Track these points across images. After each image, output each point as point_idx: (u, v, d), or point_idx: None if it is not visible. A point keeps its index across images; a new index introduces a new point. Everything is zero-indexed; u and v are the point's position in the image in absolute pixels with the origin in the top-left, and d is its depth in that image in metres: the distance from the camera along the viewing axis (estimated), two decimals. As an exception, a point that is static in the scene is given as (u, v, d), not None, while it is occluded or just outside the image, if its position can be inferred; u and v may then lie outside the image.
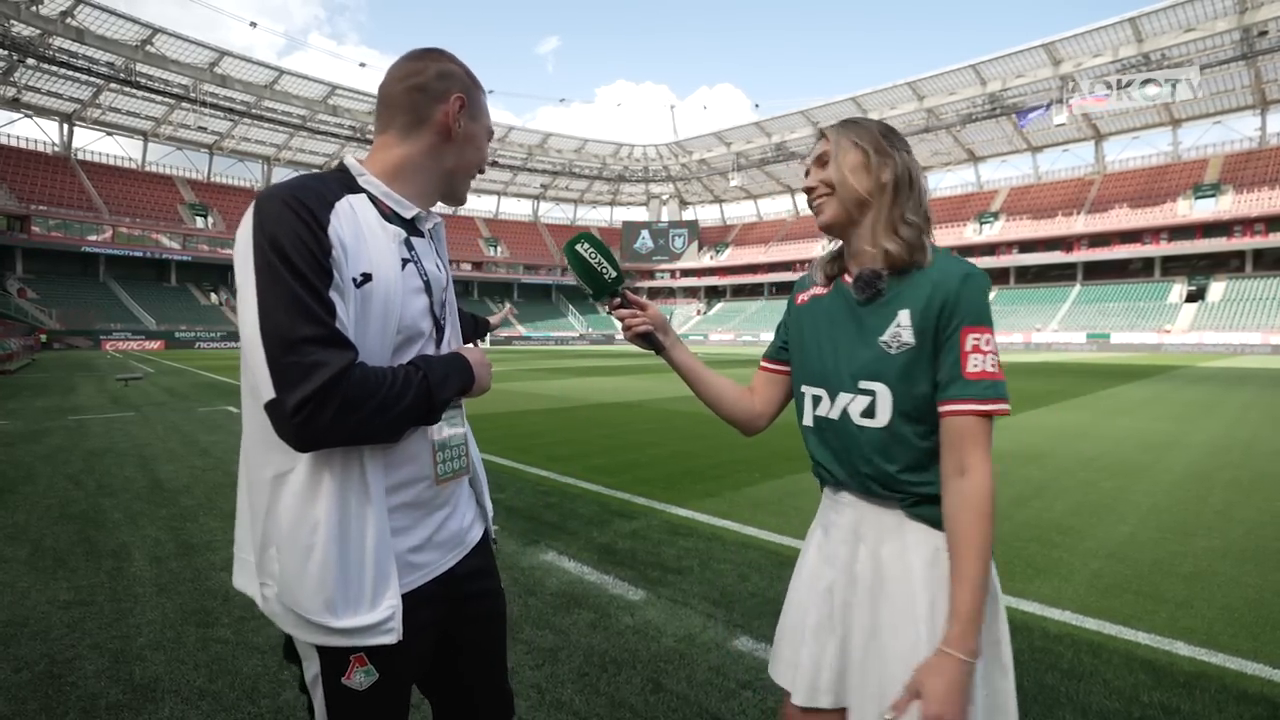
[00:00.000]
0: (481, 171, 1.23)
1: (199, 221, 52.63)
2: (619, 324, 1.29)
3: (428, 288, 1.10)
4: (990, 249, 54.72)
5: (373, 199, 1.06)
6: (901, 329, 1.10)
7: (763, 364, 1.38)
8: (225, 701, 2.22)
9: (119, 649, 2.59)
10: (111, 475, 5.73)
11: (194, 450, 6.93)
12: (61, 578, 3.35)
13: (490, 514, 1.29)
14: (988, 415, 1.05)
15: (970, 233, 56.46)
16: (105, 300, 45.56)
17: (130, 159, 53.51)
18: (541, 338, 59.84)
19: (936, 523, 1.10)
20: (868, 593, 1.13)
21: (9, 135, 47.68)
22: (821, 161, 1.21)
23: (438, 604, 1.11)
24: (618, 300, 1.28)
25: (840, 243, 1.25)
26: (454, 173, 1.17)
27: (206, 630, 2.74)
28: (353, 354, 0.94)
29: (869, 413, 1.12)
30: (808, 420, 1.24)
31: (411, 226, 1.12)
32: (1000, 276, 55.02)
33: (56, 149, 49.54)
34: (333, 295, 0.94)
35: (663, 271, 73.63)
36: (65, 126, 49.48)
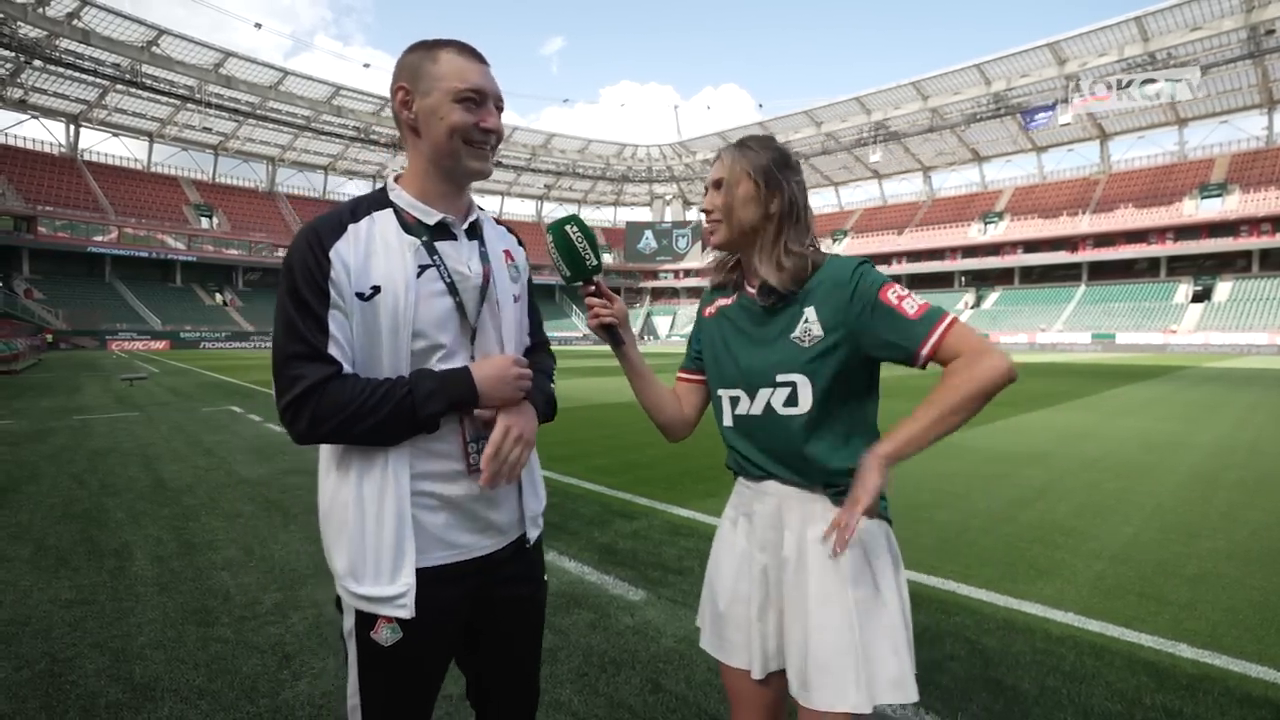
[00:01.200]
0: (473, 139, 1.14)
1: (204, 222, 52.85)
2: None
3: (452, 289, 1.14)
4: (995, 249, 54.57)
5: (398, 211, 1.16)
6: (811, 324, 1.22)
7: (680, 375, 1.48)
8: (224, 701, 2.22)
9: (120, 648, 2.60)
10: (115, 475, 5.74)
11: (197, 450, 6.95)
12: (64, 577, 3.36)
13: (531, 515, 1.29)
14: (954, 323, 1.16)
15: (974, 233, 56.32)
16: (111, 300, 45.78)
17: (136, 160, 53.80)
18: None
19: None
20: (795, 573, 1.24)
21: (15, 136, 47.99)
22: (718, 185, 1.30)
23: (469, 585, 1.18)
24: (592, 288, 1.30)
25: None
26: (436, 153, 1.15)
27: (207, 629, 2.74)
28: (332, 368, 1.07)
29: (791, 402, 1.23)
30: (728, 421, 1.34)
31: (439, 230, 1.18)
32: (1004, 277, 54.87)
33: (63, 150, 49.82)
34: (332, 313, 1.07)
35: (666, 271, 73.68)
36: (71, 127, 49.76)
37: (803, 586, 1.24)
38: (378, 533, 1.09)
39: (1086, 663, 2.50)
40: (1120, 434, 8.03)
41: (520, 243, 1.38)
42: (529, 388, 1.18)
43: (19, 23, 38.32)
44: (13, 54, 40.43)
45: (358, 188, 64.38)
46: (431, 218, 1.17)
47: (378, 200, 1.17)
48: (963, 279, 57.45)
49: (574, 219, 1.26)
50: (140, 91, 46.44)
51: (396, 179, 1.20)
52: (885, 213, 65.28)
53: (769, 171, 1.26)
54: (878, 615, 1.20)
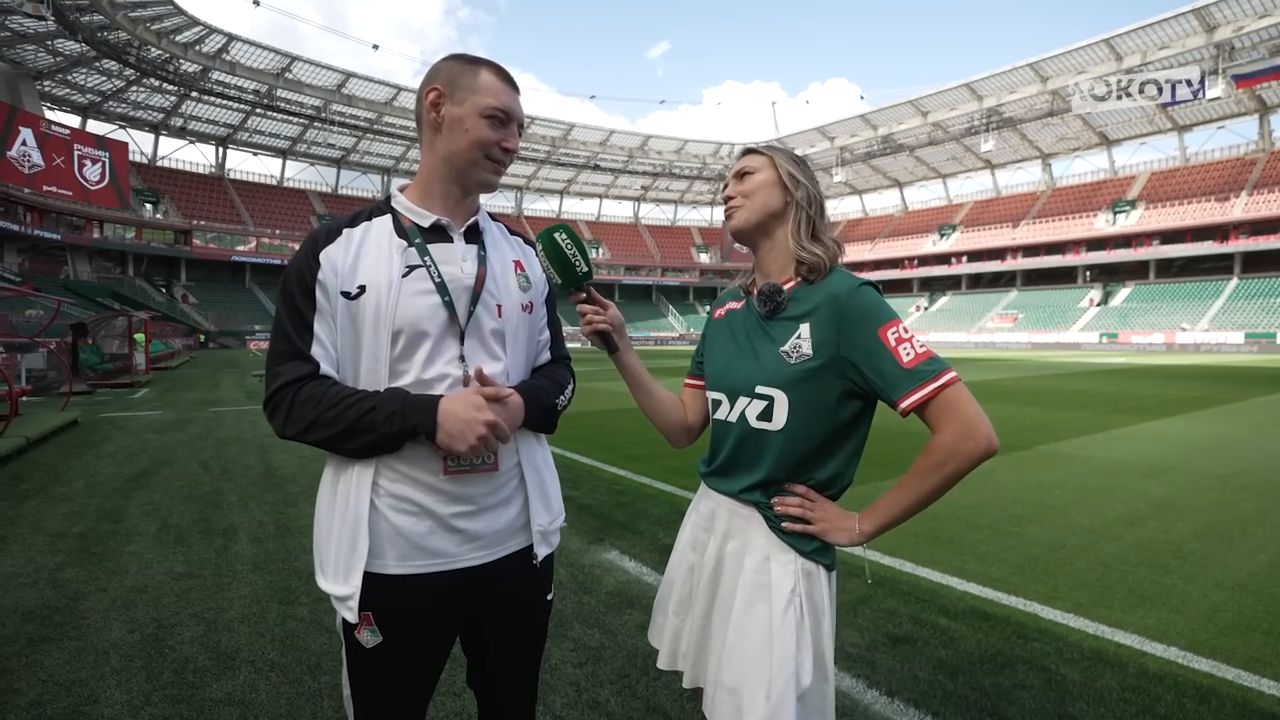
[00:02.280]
0: (493, 155, 1.18)
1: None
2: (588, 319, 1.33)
3: (441, 288, 1.15)
4: (1125, 241, 49.61)
5: (395, 216, 1.20)
6: (801, 341, 1.17)
7: (687, 381, 1.46)
8: (291, 675, 2.40)
9: (213, 619, 2.87)
10: (234, 462, 6.35)
11: (306, 441, 7.56)
12: (179, 552, 3.75)
13: (540, 530, 1.25)
14: (948, 385, 1.09)
15: (1102, 223, 51.47)
16: (250, 304, 50.83)
17: (271, 176, 59.37)
18: (642, 337, 60.48)
19: (778, 531, 1.19)
20: (709, 579, 1.25)
21: (176, 160, 54.34)
22: (743, 174, 1.29)
23: (458, 595, 1.18)
24: (583, 295, 1.30)
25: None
26: (449, 159, 1.19)
27: (287, 608, 2.98)
28: (309, 367, 1.11)
29: (765, 416, 1.19)
30: (711, 424, 1.35)
31: (434, 232, 1.19)
32: (1137, 271, 49.79)
33: (212, 170, 55.82)
34: (318, 315, 1.12)
35: (761, 271, 72.40)
36: (220, 149, 55.65)
37: (710, 598, 1.25)
38: (337, 533, 1.12)
39: (1188, 706, 2.21)
40: (1266, 447, 7.07)
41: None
42: (491, 440, 1.09)
43: (181, 60, 43.32)
44: (176, 88, 45.78)
45: (463, 195, 67.72)
46: (426, 220, 1.19)
47: (378, 208, 1.22)
48: (1087, 274, 52.63)
49: (563, 228, 1.27)
50: (275, 114, 51.25)
51: (401, 189, 1.23)
52: (998, 205, 60.94)
53: (791, 168, 1.26)
54: (765, 653, 1.13)
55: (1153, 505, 4.72)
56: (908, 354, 1.10)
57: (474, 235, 1.25)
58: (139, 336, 18.08)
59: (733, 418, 1.24)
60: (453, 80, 1.17)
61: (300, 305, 1.12)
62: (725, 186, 1.32)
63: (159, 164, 53.12)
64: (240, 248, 52.75)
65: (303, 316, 1.12)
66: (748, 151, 1.32)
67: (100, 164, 42.44)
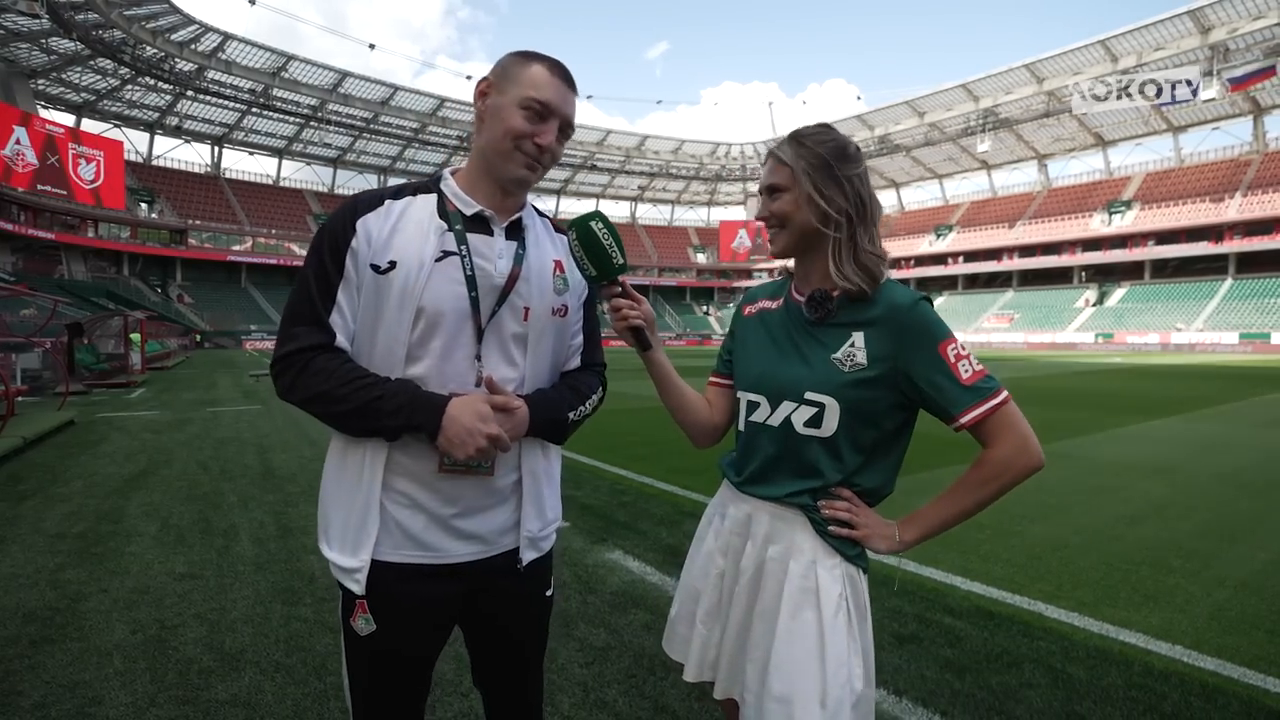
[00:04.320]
0: (525, 149, 1.13)
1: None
2: (612, 313, 1.27)
3: (470, 282, 1.12)
4: (1121, 241, 49.86)
5: (442, 197, 1.17)
6: (856, 350, 1.14)
7: (712, 379, 1.41)
8: (297, 675, 2.38)
9: (216, 620, 2.85)
10: (233, 462, 6.33)
11: (304, 441, 7.53)
12: (180, 552, 3.73)
13: (528, 535, 1.22)
14: (1005, 403, 1.11)
15: (1097, 224, 51.69)
16: (245, 304, 50.67)
17: (267, 175, 59.14)
18: (636, 338, 60.43)
19: (825, 535, 1.17)
20: (748, 585, 1.21)
21: (171, 159, 54.10)
22: (773, 190, 1.21)
23: (447, 589, 1.18)
24: (617, 289, 1.23)
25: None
26: (486, 150, 1.16)
27: (290, 608, 2.96)
28: (325, 337, 1.10)
29: (814, 423, 1.16)
30: (741, 425, 1.29)
31: (476, 222, 1.17)
32: (1133, 271, 50.01)
33: (208, 169, 55.60)
34: (344, 284, 1.10)
35: (761, 270, 72.48)
36: (215, 149, 55.43)
37: (750, 605, 1.20)
38: (350, 508, 1.13)
39: (1194, 704, 2.21)
40: (1266, 446, 7.11)
41: None
42: (489, 451, 1.07)
43: (176, 59, 43.17)
44: (172, 86, 45.63)
45: (460, 195, 67.64)
46: (471, 208, 1.17)
47: (426, 185, 1.20)
48: (1083, 274, 52.84)
49: (599, 215, 1.20)
50: (271, 113, 51.11)
51: (453, 172, 1.21)
52: (994, 205, 61.12)
53: (828, 167, 1.15)
54: (816, 659, 1.12)
55: (1153, 504, 4.74)
56: (966, 371, 1.11)
57: (515, 232, 1.21)
58: (135, 336, 18.01)
59: (774, 422, 1.20)
60: (504, 71, 1.15)
61: (329, 269, 1.10)
62: (760, 194, 1.25)
63: (154, 163, 52.90)
64: (236, 247, 52.62)
65: (329, 281, 1.10)
66: (772, 156, 1.22)
67: (95, 163, 42.22)
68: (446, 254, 1.12)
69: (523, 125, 1.12)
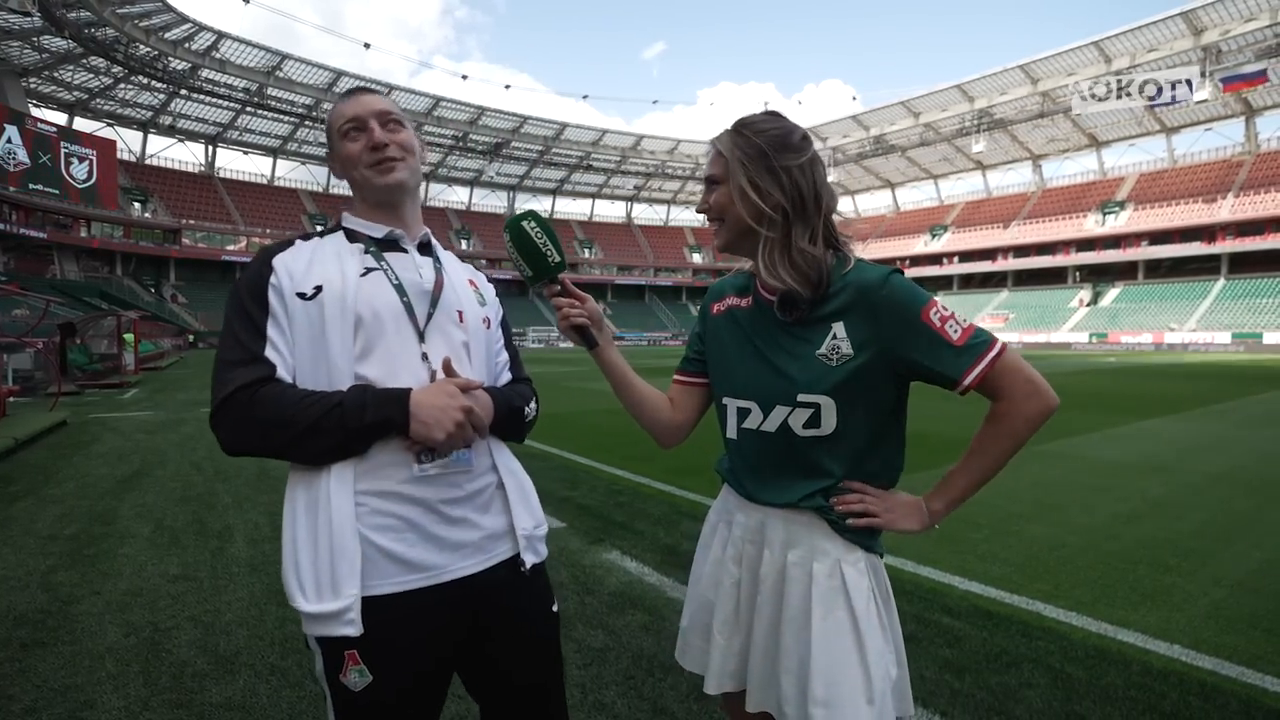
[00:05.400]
0: (367, 161, 1.17)
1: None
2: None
3: (399, 289, 1.14)
4: (1115, 241, 50.09)
5: (348, 232, 1.21)
6: (839, 341, 1.10)
7: (677, 377, 1.35)
8: (292, 678, 2.36)
9: (210, 622, 2.83)
10: (227, 463, 6.28)
11: (300, 441, 7.49)
12: (174, 554, 3.70)
13: (524, 535, 1.17)
14: (1003, 353, 1.07)
15: (1091, 224, 51.91)
16: (240, 304, 50.43)
17: (261, 175, 58.86)
18: (635, 337, 60.43)
19: (844, 531, 1.14)
20: (771, 593, 1.17)
21: (164, 159, 53.79)
22: (711, 182, 1.17)
23: (438, 617, 1.07)
24: (557, 287, 1.21)
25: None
26: (353, 188, 1.23)
27: (285, 610, 2.93)
28: (264, 370, 1.04)
29: (812, 423, 1.12)
30: (732, 433, 1.23)
31: (387, 244, 1.20)
32: (1126, 271, 50.25)
33: (201, 168, 55.31)
34: (271, 320, 1.07)
35: (754, 271, 72.55)
36: (209, 148, 55.15)
37: (775, 613, 1.15)
38: (325, 543, 1.01)
39: (1193, 704, 2.21)
40: (1260, 446, 7.14)
41: (489, 281, 1.37)
42: (467, 429, 1.05)
43: (170, 58, 42.94)
44: (165, 85, 45.40)
45: (457, 194, 67.57)
46: (379, 232, 1.20)
47: (330, 229, 1.24)
48: (1077, 274, 53.08)
49: (531, 214, 1.19)
50: (266, 112, 50.91)
51: (347, 211, 1.26)
52: (989, 205, 61.34)
53: (763, 158, 1.09)
54: (856, 657, 1.09)
55: (1150, 504, 4.75)
56: (955, 331, 1.07)
57: (427, 250, 1.25)
58: (128, 336, 17.91)
59: (770, 427, 1.15)
60: (328, 130, 1.23)
61: (251, 310, 1.07)
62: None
63: (148, 162, 52.59)
64: (230, 247, 52.30)
65: (254, 322, 1.06)
66: (711, 145, 1.16)
67: (87, 162, 41.95)
68: (369, 269, 1.14)
69: (352, 147, 1.18)
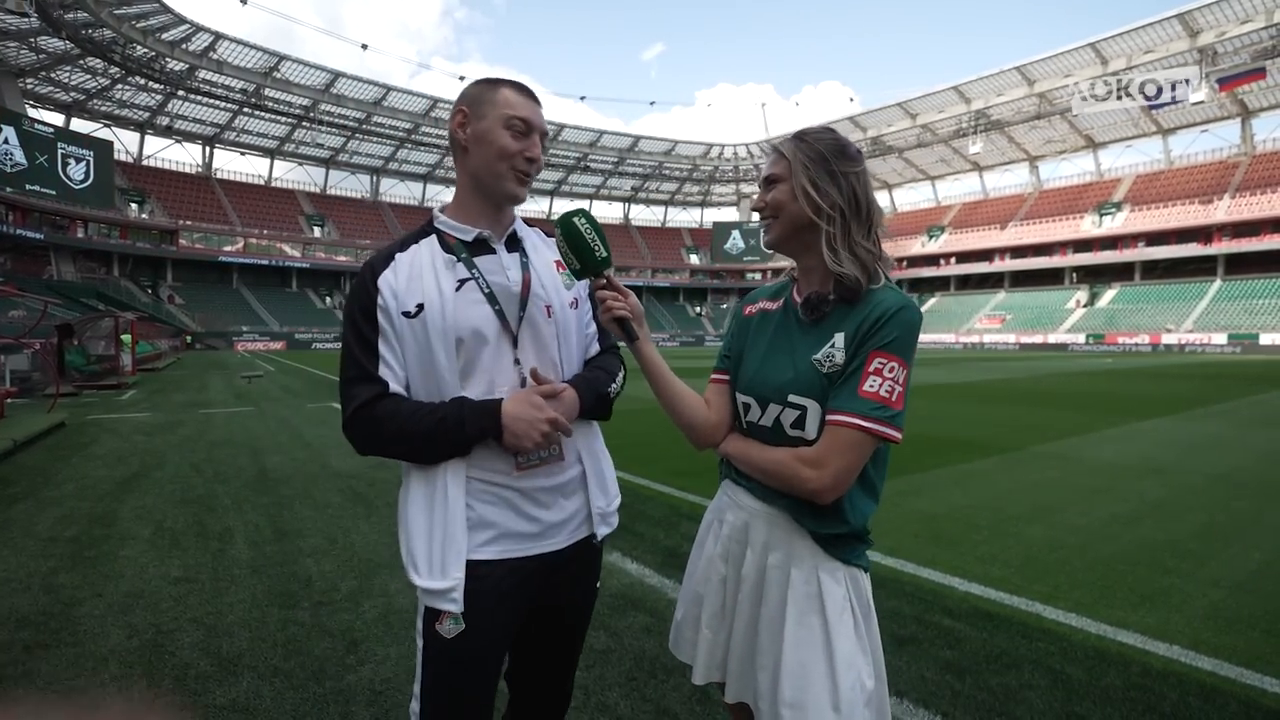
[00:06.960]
0: (518, 166, 1.23)
1: (316, 231, 57.11)
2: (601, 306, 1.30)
3: (491, 298, 1.23)
4: (1111, 242, 50.17)
5: (440, 236, 1.28)
6: (835, 350, 1.14)
7: (714, 376, 1.39)
8: (295, 680, 2.37)
9: (213, 624, 2.83)
10: (227, 464, 6.28)
11: (299, 443, 7.49)
12: (175, 556, 3.70)
13: (599, 512, 1.32)
14: (868, 433, 1.08)
15: (1089, 225, 52.02)
16: (237, 305, 50.32)
17: (259, 175, 58.77)
18: (630, 339, 60.38)
19: (825, 542, 1.17)
20: (751, 592, 1.23)
21: (162, 159, 53.76)
22: (770, 181, 1.24)
23: (525, 581, 1.24)
24: (602, 281, 1.26)
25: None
26: (478, 174, 1.26)
27: (287, 612, 2.94)
28: (378, 388, 1.19)
29: (798, 425, 1.17)
30: (742, 426, 1.30)
31: (478, 246, 1.28)
32: (1123, 272, 50.35)
33: (199, 169, 55.22)
34: (382, 338, 1.20)
35: (754, 272, 72.68)
36: (206, 149, 55.07)
37: (754, 612, 1.22)
38: (436, 531, 1.18)
39: (1192, 704, 2.23)
40: (1258, 447, 7.16)
41: None
42: (551, 435, 1.18)
43: (167, 59, 42.89)
44: (163, 86, 45.35)
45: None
46: (469, 234, 1.27)
47: (423, 230, 1.30)
48: (1074, 275, 53.17)
49: (581, 212, 1.25)
50: (263, 113, 50.85)
51: (442, 209, 1.31)
52: (986, 206, 61.45)
53: (824, 161, 1.17)
54: (825, 663, 1.13)
55: (1148, 505, 4.77)
56: (873, 386, 1.08)
57: (514, 244, 1.32)
58: (125, 337, 17.86)
59: (766, 422, 1.22)
60: (476, 100, 1.25)
61: (364, 330, 1.20)
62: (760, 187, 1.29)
63: (145, 163, 52.49)
64: (228, 248, 52.27)
65: (367, 341, 1.20)
66: (774, 149, 1.25)
67: (84, 163, 41.87)
68: (463, 281, 1.22)
69: (511, 143, 1.22)
